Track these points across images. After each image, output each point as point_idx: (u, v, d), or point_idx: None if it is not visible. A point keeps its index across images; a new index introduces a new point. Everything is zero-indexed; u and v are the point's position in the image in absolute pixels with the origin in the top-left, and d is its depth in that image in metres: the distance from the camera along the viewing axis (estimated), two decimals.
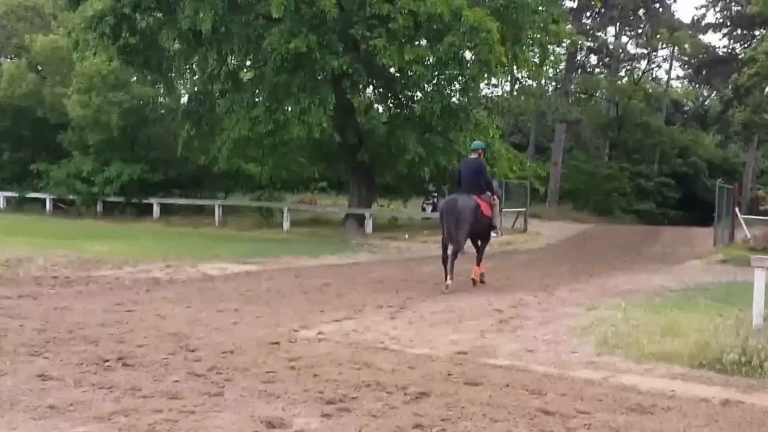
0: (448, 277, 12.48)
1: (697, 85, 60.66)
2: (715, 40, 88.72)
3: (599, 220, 42.42)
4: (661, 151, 53.36)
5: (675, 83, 61.24)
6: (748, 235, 23.08)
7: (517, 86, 34.00)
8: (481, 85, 27.61)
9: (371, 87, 26.50)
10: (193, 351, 7.29)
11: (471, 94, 24.32)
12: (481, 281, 13.34)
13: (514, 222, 28.63)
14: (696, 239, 27.82)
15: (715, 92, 59.35)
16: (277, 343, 7.81)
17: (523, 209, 29.30)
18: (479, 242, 13.75)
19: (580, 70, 53.80)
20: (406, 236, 23.68)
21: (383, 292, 12.09)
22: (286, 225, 26.37)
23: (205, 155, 26.96)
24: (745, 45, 42.29)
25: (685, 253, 22.50)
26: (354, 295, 11.71)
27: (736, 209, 23.58)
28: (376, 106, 28.12)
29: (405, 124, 24.16)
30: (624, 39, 54.93)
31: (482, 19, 21.03)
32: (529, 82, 30.09)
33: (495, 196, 13.76)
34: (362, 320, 9.37)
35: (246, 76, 27.21)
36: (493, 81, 28.97)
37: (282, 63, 21.91)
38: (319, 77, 22.75)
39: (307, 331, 8.54)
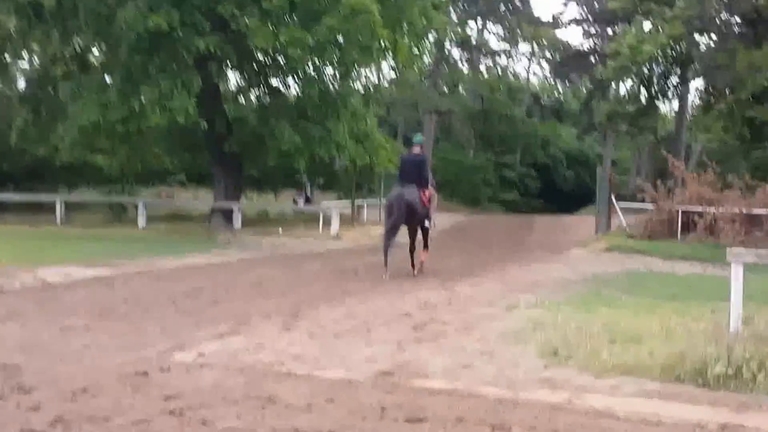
0: (387, 268, 13.05)
1: (555, 80, 61.60)
2: (576, 36, 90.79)
3: (469, 210, 42.14)
4: (524, 143, 54.04)
5: (533, 78, 62.13)
6: (624, 223, 22.83)
7: (392, 75, 32.66)
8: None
9: (241, 71, 24.35)
10: (29, 392, 5.35)
11: (350, 81, 22.79)
12: (416, 269, 13.74)
13: None
14: (570, 227, 27.58)
15: (571, 86, 60.65)
16: (145, 373, 5.99)
17: None
18: (420, 232, 14.03)
19: (445, 63, 53.32)
20: (280, 231, 21.89)
21: (268, 297, 10.36)
22: (141, 221, 23.69)
23: (46, 146, 24.09)
24: (607, 39, 42.72)
25: (566, 242, 21.91)
26: (233, 302, 9.90)
27: (613, 198, 23.15)
28: (245, 92, 25.99)
29: (278, 112, 22.31)
30: (486, 34, 54.95)
31: (363, 0, 19.54)
32: (406, 71, 28.42)
33: (432, 189, 14.03)
34: (251, 334, 7.63)
35: (96, 59, 24.53)
36: (367, 70, 27.49)
37: (138, 42, 19.64)
38: (183, 59, 20.54)
39: (184, 354, 6.75)
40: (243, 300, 10.12)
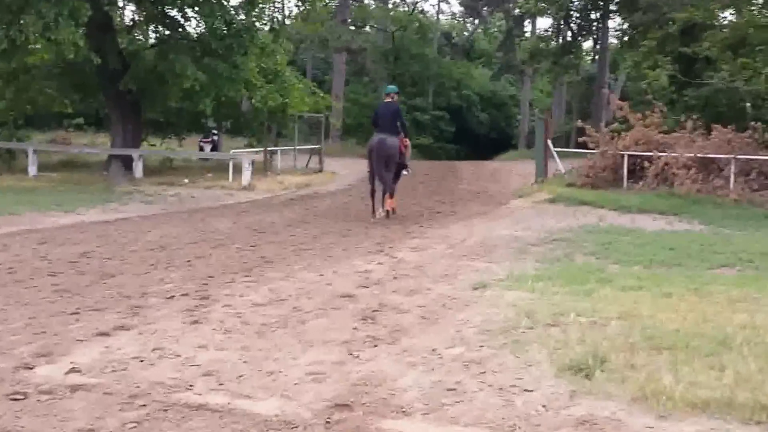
0: (376, 209, 14.01)
1: (465, 17, 59.67)
2: None
3: None
4: (437, 84, 52.27)
5: (442, 18, 60.07)
6: (562, 170, 21.36)
7: (301, 8, 30.11)
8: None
9: (136, 1, 21.58)
10: None
11: (257, 11, 20.46)
12: (393, 212, 14.20)
13: (308, 161, 25.40)
14: (498, 175, 26.24)
15: (482, 25, 59.05)
16: None
17: (318, 146, 26.09)
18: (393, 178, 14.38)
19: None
20: (186, 180, 19.64)
21: (170, 268, 8.40)
22: (32, 170, 21.00)
23: None
24: None
25: (501, 192, 20.41)
26: (127, 276, 7.92)
27: (549, 142, 21.49)
28: (140, 25, 23.13)
29: (179, 47, 19.87)
30: None
31: None
32: (314, 3, 25.79)
33: (406, 138, 14.58)
34: (146, 330, 5.70)
35: None
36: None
37: None
38: None
39: (51, 366, 4.82)
40: (140, 271, 8.17)
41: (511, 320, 5.76)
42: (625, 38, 35.93)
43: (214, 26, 18.68)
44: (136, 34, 22.77)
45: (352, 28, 49.64)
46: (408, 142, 14.73)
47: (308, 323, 5.97)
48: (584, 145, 20.61)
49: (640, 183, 18.30)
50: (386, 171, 13.71)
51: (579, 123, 21.56)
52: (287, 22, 32.72)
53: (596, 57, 42.83)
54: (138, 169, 20.31)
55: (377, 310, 6.37)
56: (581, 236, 11.41)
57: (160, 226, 12.35)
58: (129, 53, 21.03)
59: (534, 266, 8.63)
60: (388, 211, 14.02)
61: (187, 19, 21.05)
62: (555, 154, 21.43)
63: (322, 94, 25.13)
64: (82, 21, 17.41)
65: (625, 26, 36.36)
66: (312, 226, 12.83)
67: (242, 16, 20.83)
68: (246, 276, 7.96)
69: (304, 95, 22.73)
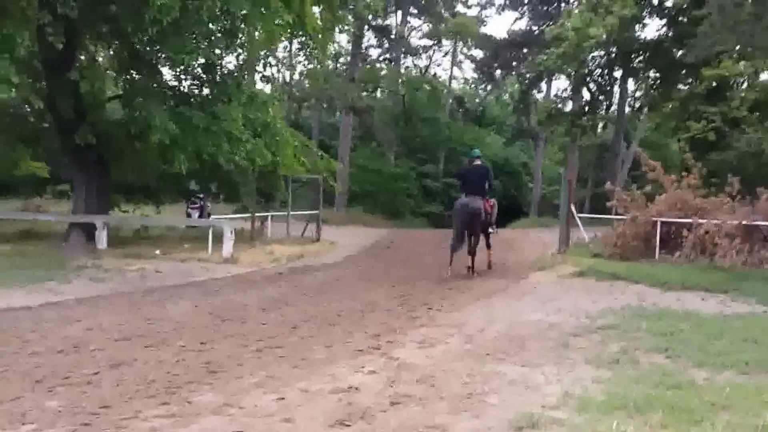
0: (450, 267, 14.59)
1: (479, 79, 57.57)
2: (503, 31, 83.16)
3: (391, 224, 38.05)
4: (448, 150, 50.14)
5: (454, 83, 58.04)
6: (586, 238, 18.86)
7: (302, 54, 27.43)
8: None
9: (96, 35, 18.03)
10: None
11: (246, 55, 17.97)
12: (475, 270, 14.90)
13: (304, 230, 22.69)
14: (513, 244, 23.51)
15: (494, 91, 57.42)
16: None
17: (315, 212, 23.41)
18: (483, 237, 15.65)
19: (361, 62, 48.61)
20: (157, 252, 16.89)
21: (58, 387, 5.62)
22: None
23: None
24: (546, 24, 38.77)
25: (519, 264, 17.68)
26: None
27: (573, 207, 18.87)
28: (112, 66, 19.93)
29: (149, 92, 16.76)
30: (407, 30, 50.40)
31: None
32: (318, 50, 22.86)
33: (493, 199, 15.90)
34: None
35: None
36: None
37: None
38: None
39: None
40: (8, 395, 5.41)
41: None
42: (637, 105, 34.11)
43: (185, 62, 15.96)
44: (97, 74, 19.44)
45: (364, 88, 47.44)
46: (494, 202, 15.85)
47: None
48: (604, 212, 18.36)
49: (676, 254, 15.80)
50: (474, 232, 14.80)
51: (608, 185, 19.08)
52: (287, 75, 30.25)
53: (609, 123, 40.89)
54: (102, 239, 17.48)
55: None
56: (630, 322, 8.74)
57: (96, 314, 9.56)
58: (88, 102, 17.91)
59: (591, 375, 5.94)
60: (471, 268, 14.74)
61: (159, 59, 17.97)
62: (579, 220, 18.89)
63: (320, 154, 22.50)
64: (18, 53, 14.66)
65: (639, 93, 34.52)
66: (293, 309, 10.15)
67: (229, 59, 18.17)
68: (163, 404, 5.21)
69: (300, 154, 20.10)
